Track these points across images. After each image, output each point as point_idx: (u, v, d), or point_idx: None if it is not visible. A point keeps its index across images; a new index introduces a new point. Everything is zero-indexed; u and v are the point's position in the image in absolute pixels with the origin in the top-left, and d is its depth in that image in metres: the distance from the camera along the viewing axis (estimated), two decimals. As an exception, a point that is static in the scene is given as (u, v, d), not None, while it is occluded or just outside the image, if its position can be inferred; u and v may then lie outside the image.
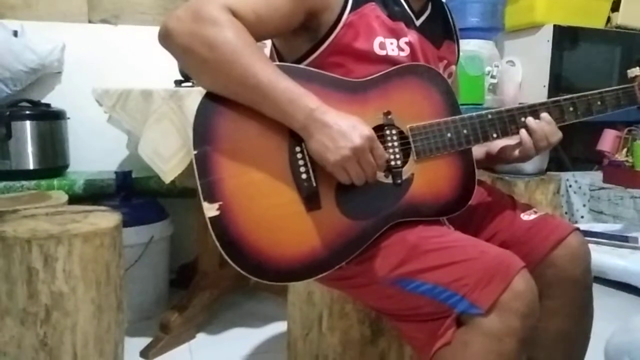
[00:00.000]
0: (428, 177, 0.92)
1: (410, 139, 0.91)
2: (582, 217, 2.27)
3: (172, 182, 1.42)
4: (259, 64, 0.80)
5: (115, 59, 2.11)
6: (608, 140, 2.25)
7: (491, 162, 1.08)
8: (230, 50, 0.79)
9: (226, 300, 1.91)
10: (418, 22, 1.00)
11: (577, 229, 0.98)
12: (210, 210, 0.79)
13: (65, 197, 1.57)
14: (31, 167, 1.84)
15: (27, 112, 1.85)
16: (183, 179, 1.39)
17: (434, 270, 0.82)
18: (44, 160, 1.86)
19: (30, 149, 1.83)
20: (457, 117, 0.94)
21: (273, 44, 1.00)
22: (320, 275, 0.85)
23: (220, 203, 0.80)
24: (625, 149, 2.18)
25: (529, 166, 2.04)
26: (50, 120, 1.89)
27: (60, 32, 2.04)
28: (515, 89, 2.46)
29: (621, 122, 2.27)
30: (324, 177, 0.84)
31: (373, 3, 0.93)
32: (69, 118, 1.96)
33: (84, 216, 1.24)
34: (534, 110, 0.97)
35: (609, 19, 2.54)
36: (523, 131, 0.96)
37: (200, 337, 1.72)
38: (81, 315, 1.11)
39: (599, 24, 2.49)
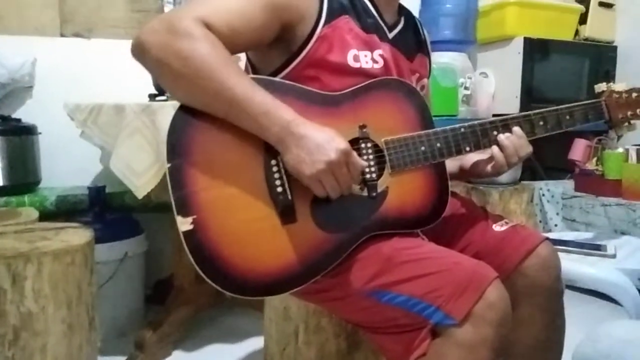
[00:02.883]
0: (402, 190, 0.93)
1: (385, 152, 0.92)
2: (555, 225, 2.30)
3: (148, 196, 1.40)
4: (234, 77, 0.80)
5: (89, 73, 2.09)
6: (579, 149, 2.30)
7: (465, 176, 1.10)
8: (205, 64, 0.78)
9: (202, 316, 1.88)
10: (391, 35, 1.02)
11: (547, 238, 1.00)
12: (184, 224, 0.78)
13: (36, 214, 1.53)
14: (0, 183, 1.79)
15: (-3, 127, 1.81)
16: (159, 194, 1.37)
17: (408, 282, 0.82)
18: (14, 176, 1.81)
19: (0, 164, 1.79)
20: (430, 130, 0.95)
21: (248, 58, 1.00)
22: (296, 289, 0.84)
23: (194, 217, 0.79)
24: (595, 158, 2.22)
25: (503, 176, 2.06)
26: (20, 136, 1.85)
27: (31, 46, 2.01)
28: (488, 100, 2.50)
29: (591, 132, 2.32)
30: (299, 191, 0.84)
31: (347, 16, 0.94)
32: (40, 133, 1.92)
33: (55, 233, 1.22)
34: (505, 124, 0.99)
35: (577, 32, 2.61)
36: (495, 148, 0.98)
37: (177, 354, 1.69)
38: (51, 336, 1.08)
39: (567, 36, 2.56)
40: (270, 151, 0.83)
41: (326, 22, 0.91)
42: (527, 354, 0.99)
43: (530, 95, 2.39)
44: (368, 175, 0.90)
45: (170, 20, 0.80)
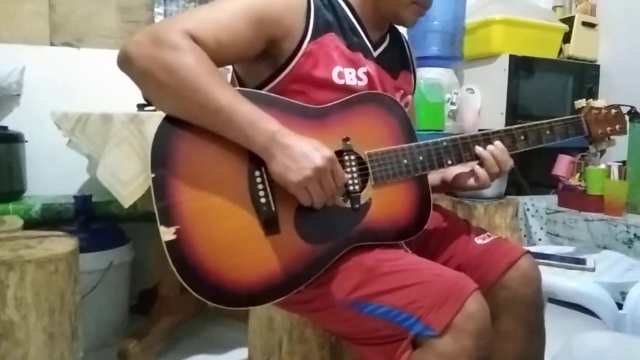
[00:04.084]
0: (385, 202, 0.94)
1: (368, 165, 0.93)
2: (539, 239, 2.33)
3: (134, 206, 1.40)
4: (220, 89, 0.81)
5: (77, 82, 2.09)
6: (562, 165, 2.34)
7: (447, 189, 1.11)
8: (191, 76, 0.79)
9: (187, 327, 1.87)
10: (376, 53, 1.04)
11: (528, 252, 1.01)
12: (167, 234, 0.79)
13: (20, 222, 1.52)
14: (-15, 191, 1.78)
15: (-17, 134, 1.80)
16: (145, 203, 1.37)
17: (389, 293, 0.83)
18: (-1, 184, 1.81)
19: (-16, 172, 1.78)
20: (413, 144, 0.97)
21: (234, 70, 1.02)
22: (279, 300, 0.85)
23: (177, 227, 0.79)
24: (578, 174, 2.26)
25: (488, 190, 2.09)
26: (6, 144, 1.84)
27: (20, 54, 2.01)
28: (474, 116, 2.54)
29: (575, 148, 2.36)
30: (283, 202, 0.85)
31: (332, 33, 0.96)
32: (26, 141, 1.92)
33: (39, 241, 1.21)
34: (487, 138, 1.01)
35: (561, 50, 2.66)
36: (477, 162, 1.00)
37: (160, 365, 1.68)
38: (32, 345, 1.07)
39: (551, 54, 2.61)
40: (254, 162, 0.84)
41: (312, 38, 0.93)
42: (508, 366, 1.00)
43: (515, 111, 2.43)
44: (351, 187, 0.92)
45: (157, 32, 0.81)
